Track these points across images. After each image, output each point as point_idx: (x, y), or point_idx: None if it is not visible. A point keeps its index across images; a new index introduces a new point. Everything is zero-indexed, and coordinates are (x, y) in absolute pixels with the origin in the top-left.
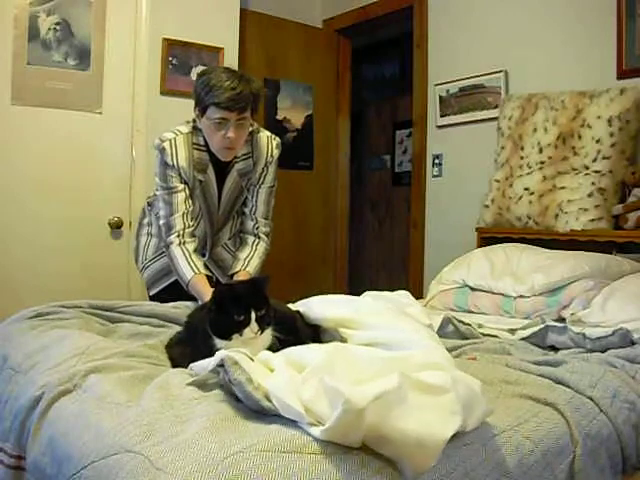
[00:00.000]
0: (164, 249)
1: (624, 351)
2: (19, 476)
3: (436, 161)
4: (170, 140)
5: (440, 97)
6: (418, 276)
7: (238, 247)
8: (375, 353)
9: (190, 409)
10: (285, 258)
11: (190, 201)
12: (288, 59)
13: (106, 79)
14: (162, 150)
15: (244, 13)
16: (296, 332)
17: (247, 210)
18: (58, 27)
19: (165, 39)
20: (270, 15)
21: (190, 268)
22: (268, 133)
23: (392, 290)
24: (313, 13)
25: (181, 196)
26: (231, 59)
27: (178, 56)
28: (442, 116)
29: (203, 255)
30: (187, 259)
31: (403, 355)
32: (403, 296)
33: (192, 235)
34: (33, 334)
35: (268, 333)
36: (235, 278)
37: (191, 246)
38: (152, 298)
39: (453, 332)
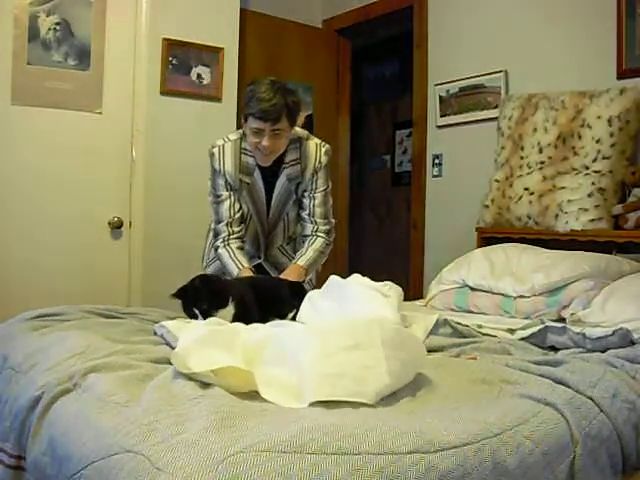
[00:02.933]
0: (214, 252)
1: (624, 351)
2: (19, 476)
3: (436, 161)
4: (219, 147)
5: (440, 97)
6: (418, 276)
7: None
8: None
9: (190, 409)
10: None
11: (236, 207)
12: (288, 59)
13: (106, 79)
14: (212, 156)
15: (244, 13)
16: (278, 305)
17: (305, 214)
18: (58, 27)
19: (165, 39)
20: (270, 15)
21: (235, 265)
22: (317, 140)
23: None
24: (313, 13)
25: (226, 204)
26: (231, 59)
27: (178, 56)
28: (442, 116)
29: (258, 257)
30: (231, 257)
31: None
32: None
33: (237, 238)
34: (34, 335)
35: (230, 308)
36: (285, 272)
37: (235, 245)
38: None
39: (451, 333)
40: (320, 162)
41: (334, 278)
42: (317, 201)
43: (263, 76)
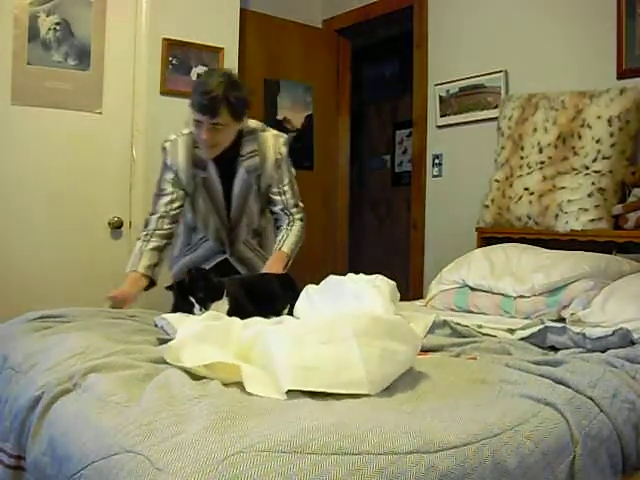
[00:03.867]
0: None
1: (624, 351)
2: (19, 476)
3: (436, 161)
4: (172, 141)
5: (440, 97)
6: (418, 276)
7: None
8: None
9: (190, 409)
10: None
11: (174, 205)
12: (288, 59)
13: (106, 79)
14: (163, 150)
15: (244, 13)
16: (271, 303)
17: (278, 209)
18: (58, 27)
19: (165, 39)
20: (270, 15)
21: (132, 263)
22: (274, 132)
23: None
24: (313, 13)
25: (166, 199)
26: (231, 59)
27: (178, 56)
28: (442, 116)
29: (223, 252)
30: (136, 255)
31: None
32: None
33: (162, 236)
34: (34, 335)
35: (224, 302)
36: (270, 260)
37: (154, 243)
38: None
39: (450, 334)
40: (281, 153)
41: (332, 277)
42: (288, 195)
43: (217, 68)
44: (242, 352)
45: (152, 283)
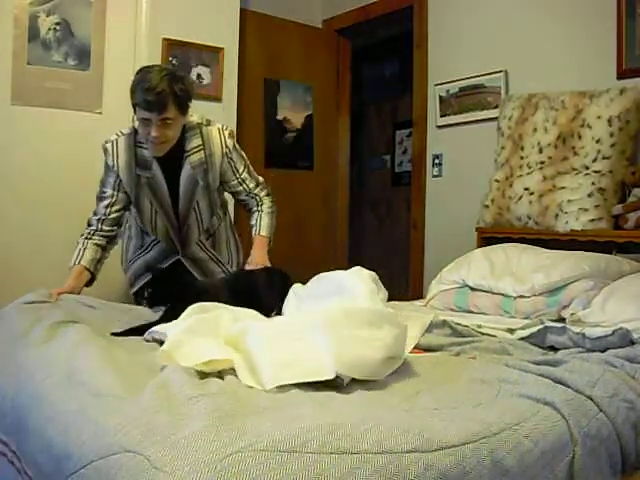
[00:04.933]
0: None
1: (624, 351)
2: (19, 472)
3: (436, 161)
4: (112, 142)
5: (440, 97)
6: (418, 276)
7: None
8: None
9: (189, 408)
10: (285, 258)
11: (114, 208)
12: (288, 59)
13: (106, 79)
14: (105, 151)
15: (244, 13)
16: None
17: (243, 196)
18: (58, 27)
19: (165, 39)
20: (270, 15)
21: (75, 258)
22: (219, 125)
23: (392, 289)
24: (313, 13)
25: (106, 202)
26: (231, 59)
27: (178, 56)
28: (442, 116)
29: (176, 253)
30: (79, 250)
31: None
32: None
33: (103, 237)
34: (34, 329)
35: None
36: (253, 248)
37: (95, 241)
38: (135, 294)
39: (450, 334)
40: (227, 146)
41: (320, 275)
42: (248, 180)
43: (153, 63)
44: (232, 340)
45: (92, 279)
